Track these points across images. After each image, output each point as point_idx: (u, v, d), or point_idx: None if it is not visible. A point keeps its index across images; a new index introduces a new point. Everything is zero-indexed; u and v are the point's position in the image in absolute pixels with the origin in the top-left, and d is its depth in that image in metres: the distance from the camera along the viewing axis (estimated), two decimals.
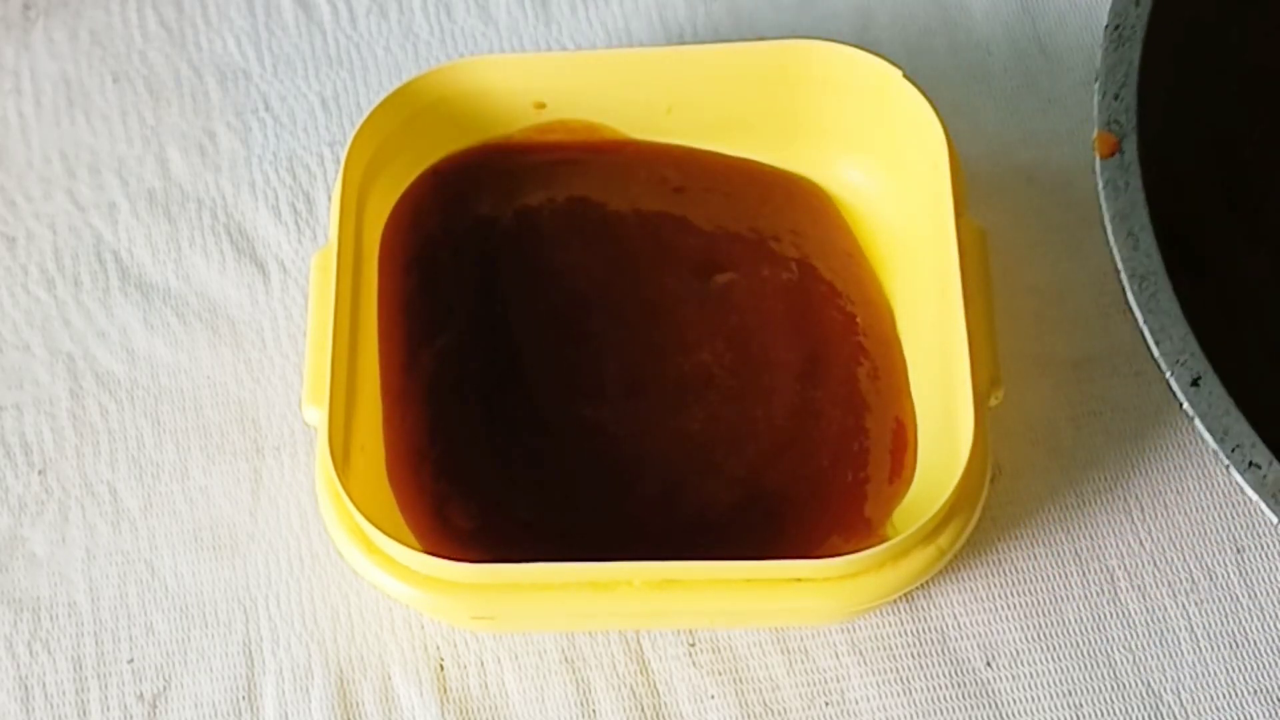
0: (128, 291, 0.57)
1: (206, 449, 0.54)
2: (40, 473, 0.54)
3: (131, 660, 0.51)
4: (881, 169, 0.55)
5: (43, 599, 0.52)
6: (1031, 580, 0.52)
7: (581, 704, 0.50)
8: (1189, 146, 0.47)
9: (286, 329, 0.56)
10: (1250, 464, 0.40)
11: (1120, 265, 0.43)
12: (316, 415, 0.49)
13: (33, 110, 0.60)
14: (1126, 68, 0.45)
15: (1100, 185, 0.44)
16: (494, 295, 0.54)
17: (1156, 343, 0.42)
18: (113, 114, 0.60)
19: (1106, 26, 0.45)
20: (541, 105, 0.55)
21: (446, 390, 0.53)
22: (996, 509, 0.52)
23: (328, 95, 0.60)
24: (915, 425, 0.52)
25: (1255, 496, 0.40)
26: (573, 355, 0.53)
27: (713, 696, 0.50)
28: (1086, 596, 0.52)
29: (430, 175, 0.56)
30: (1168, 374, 0.41)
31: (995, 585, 0.52)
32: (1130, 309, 0.42)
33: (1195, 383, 0.41)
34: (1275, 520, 0.40)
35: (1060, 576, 0.52)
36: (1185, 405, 0.41)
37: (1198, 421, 0.41)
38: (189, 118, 0.60)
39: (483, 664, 0.51)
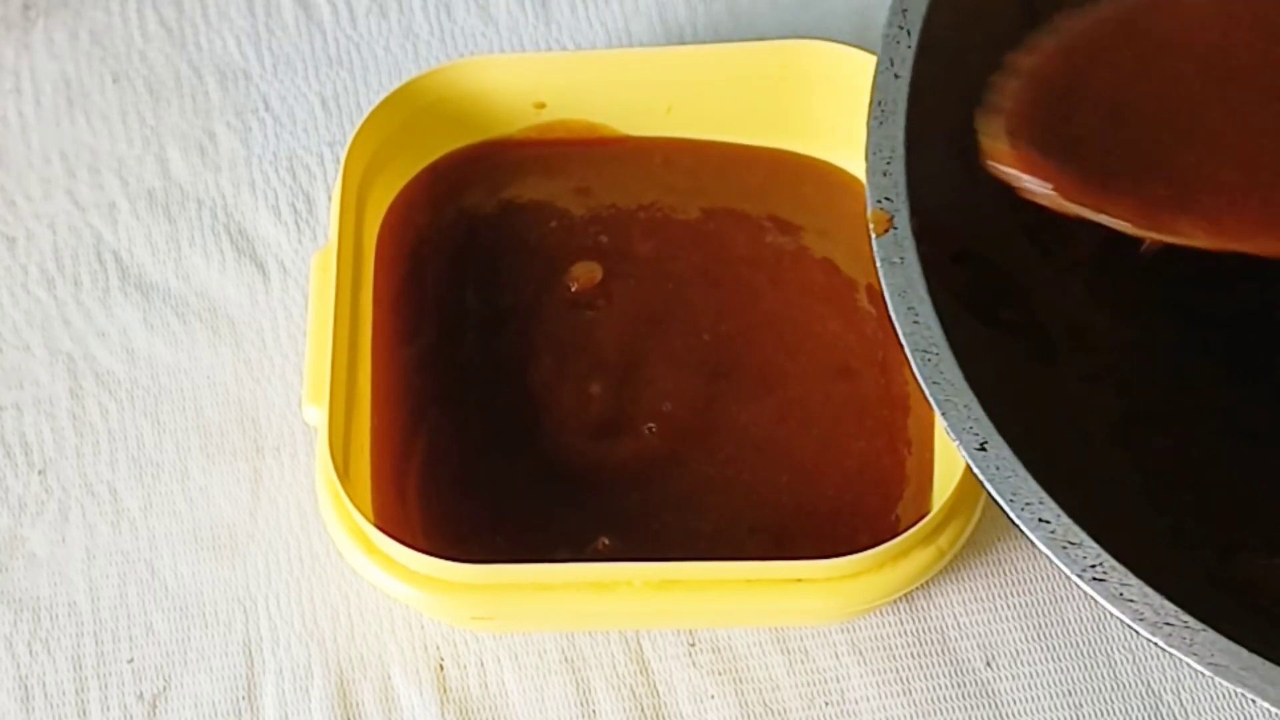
0: (128, 291, 0.57)
1: (206, 449, 0.54)
2: (40, 473, 0.54)
3: (131, 660, 0.51)
4: None
5: (43, 599, 0.52)
6: (1031, 580, 0.52)
7: (581, 704, 0.50)
8: (983, 200, 0.47)
9: (286, 329, 0.56)
10: (1040, 520, 0.41)
11: (903, 340, 0.43)
12: (316, 415, 0.49)
13: (33, 110, 0.60)
14: (892, 144, 0.45)
15: (877, 262, 0.44)
16: (477, 290, 0.54)
17: (943, 413, 0.42)
18: (113, 114, 0.60)
19: (870, 102, 0.46)
20: (541, 105, 0.55)
21: (425, 387, 0.52)
22: (996, 509, 0.52)
23: (328, 95, 0.60)
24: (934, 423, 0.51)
25: (1047, 551, 0.41)
26: (558, 354, 0.53)
27: (713, 696, 0.50)
28: (1086, 596, 0.51)
29: (425, 173, 0.56)
30: (955, 441, 0.42)
31: (995, 585, 0.52)
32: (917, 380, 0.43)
33: (982, 448, 0.42)
34: (1070, 574, 0.41)
35: (1060, 576, 0.51)
36: (974, 469, 0.42)
37: (986, 484, 0.42)
38: (189, 118, 0.60)
39: (483, 664, 0.51)
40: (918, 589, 0.50)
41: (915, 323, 0.43)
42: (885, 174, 0.45)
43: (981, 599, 0.52)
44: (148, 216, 0.58)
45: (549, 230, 0.55)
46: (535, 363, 0.53)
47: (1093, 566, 0.41)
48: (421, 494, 0.51)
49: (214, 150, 0.59)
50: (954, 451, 0.49)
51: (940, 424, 0.42)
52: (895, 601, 0.51)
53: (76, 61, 0.61)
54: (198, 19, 0.62)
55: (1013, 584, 0.52)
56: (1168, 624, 0.40)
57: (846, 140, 0.55)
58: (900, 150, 0.45)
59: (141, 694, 0.51)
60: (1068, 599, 0.51)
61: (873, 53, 0.53)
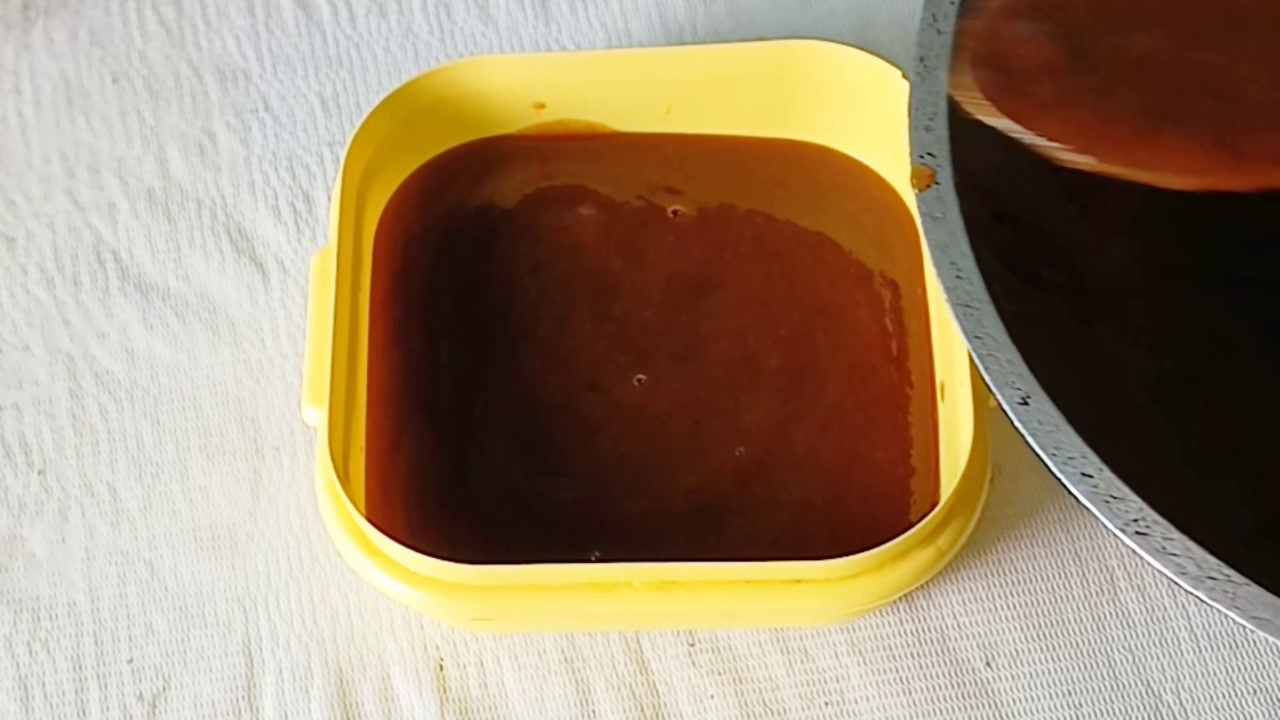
0: (127, 291, 0.57)
1: (206, 449, 0.54)
2: (40, 473, 0.54)
3: (131, 660, 0.51)
4: (881, 169, 0.55)
5: (42, 599, 0.52)
6: (1031, 580, 0.52)
7: (581, 704, 0.50)
8: (1022, 161, 0.47)
9: (286, 329, 0.56)
10: (1083, 475, 0.41)
11: (945, 295, 0.43)
12: (316, 415, 0.49)
13: (33, 110, 0.60)
14: (935, 99, 0.45)
15: (919, 218, 0.44)
16: (467, 290, 0.54)
17: (985, 367, 0.42)
18: (113, 114, 0.60)
19: (912, 58, 0.46)
20: (541, 105, 0.55)
21: (411, 392, 0.52)
22: (996, 509, 0.52)
23: (328, 95, 0.60)
24: (938, 422, 0.51)
25: (1090, 505, 0.41)
26: (535, 359, 0.53)
27: (712, 696, 0.50)
28: (1086, 596, 0.52)
29: (421, 172, 0.55)
30: (998, 395, 0.42)
31: (995, 585, 0.52)
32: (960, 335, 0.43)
33: (1024, 402, 0.42)
34: (1113, 529, 0.41)
35: (1060, 576, 0.52)
36: (1016, 424, 0.42)
37: (1029, 439, 0.42)
38: (189, 118, 0.60)
39: (482, 664, 0.51)
40: (918, 589, 0.50)
41: (958, 277, 0.43)
42: (928, 129, 0.45)
43: (981, 599, 0.52)
44: (147, 216, 0.58)
45: (547, 230, 0.55)
46: (516, 370, 0.53)
47: (1135, 520, 0.41)
48: (406, 499, 0.51)
49: (214, 150, 0.59)
50: (955, 450, 0.49)
51: (983, 377, 0.42)
52: (895, 601, 0.51)
53: (76, 61, 0.61)
54: (198, 19, 0.62)
55: (1013, 584, 0.52)
56: (1210, 578, 0.40)
57: (847, 138, 0.56)
58: (943, 106, 0.45)
59: (141, 694, 0.51)
60: (1068, 599, 0.51)
61: (873, 52, 0.53)
